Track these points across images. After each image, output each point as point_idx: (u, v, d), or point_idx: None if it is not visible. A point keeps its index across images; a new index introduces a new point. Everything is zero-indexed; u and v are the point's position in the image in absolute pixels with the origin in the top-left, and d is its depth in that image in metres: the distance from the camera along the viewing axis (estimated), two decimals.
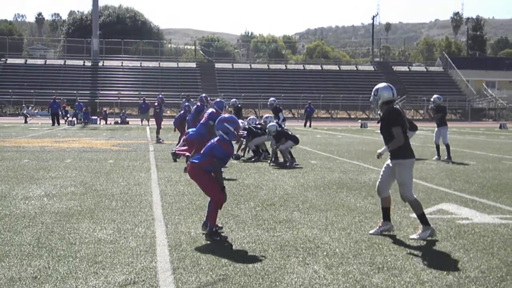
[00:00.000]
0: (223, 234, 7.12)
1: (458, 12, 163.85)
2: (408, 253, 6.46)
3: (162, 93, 57.99)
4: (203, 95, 17.17)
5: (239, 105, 24.16)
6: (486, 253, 6.48)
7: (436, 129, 17.67)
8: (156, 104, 27.54)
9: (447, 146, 17.26)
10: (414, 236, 7.23)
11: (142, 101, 42.86)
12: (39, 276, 5.42)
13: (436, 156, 17.43)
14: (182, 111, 19.91)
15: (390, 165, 7.42)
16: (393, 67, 77.88)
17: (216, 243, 6.77)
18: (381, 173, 7.58)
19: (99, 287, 5.14)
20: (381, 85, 7.56)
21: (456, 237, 7.27)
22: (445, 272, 5.73)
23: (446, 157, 17.09)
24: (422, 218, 7.24)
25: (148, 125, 39.91)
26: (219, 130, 7.28)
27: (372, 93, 7.53)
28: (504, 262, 6.12)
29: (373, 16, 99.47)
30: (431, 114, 19.17)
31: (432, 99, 17.92)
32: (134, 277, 5.43)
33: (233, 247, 6.62)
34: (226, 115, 7.72)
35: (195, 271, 5.66)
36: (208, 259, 6.09)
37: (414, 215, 8.62)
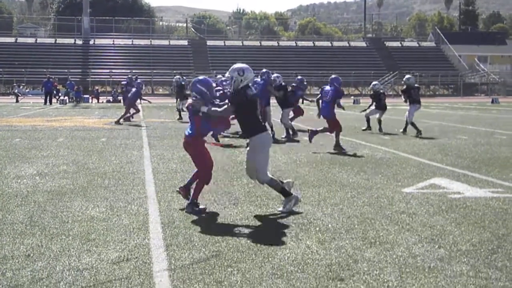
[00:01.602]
0: (201, 207, 7.24)
1: None
2: (400, 227, 6.49)
3: (154, 71, 57.83)
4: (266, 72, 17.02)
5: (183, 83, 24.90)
6: (478, 227, 6.52)
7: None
8: (123, 83, 26.58)
9: (409, 123, 17.69)
10: (281, 208, 7.26)
11: (134, 79, 42.57)
12: (32, 254, 5.42)
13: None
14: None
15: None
16: (385, 42, 77.66)
17: (207, 220, 6.78)
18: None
19: (92, 264, 5.15)
20: (244, 65, 7.23)
21: (448, 211, 7.31)
22: (437, 246, 5.76)
23: (402, 130, 17.94)
24: (283, 192, 7.26)
25: (140, 103, 39.73)
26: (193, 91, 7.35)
27: (236, 73, 7.08)
28: (495, 235, 6.16)
29: None
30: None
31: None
32: (127, 254, 5.44)
33: (226, 223, 6.64)
34: (201, 77, 7.70)
35: (188, 247, 5.67)
36: (201, 235, 6.11)
37: (407, 190, 8.68)
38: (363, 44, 77.05)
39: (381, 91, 19.48)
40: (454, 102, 46.09)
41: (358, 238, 6.03)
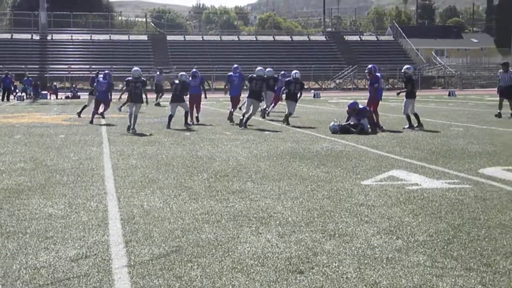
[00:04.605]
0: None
1: None
2: (359, 219, 6.56)
3: (114, 66, 57.28)
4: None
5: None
6: (434, 217, 6.64)
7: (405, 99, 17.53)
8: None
9: (415, 115, 17.36)
10: None
11: (94, 75, 42.03)
12: None
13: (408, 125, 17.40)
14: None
15: None
16: (344, 36, 78.14)
17: (169, 215, 6.76)
18: None
19: (50, 262, 5.09)
20: None
21: (406, 202, 7.42)
22: (395, 237, 5.85)
23: (416, 125, 17.23)
24: None
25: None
26: None
27: None
28: (451, 226, 6.28)
29: None
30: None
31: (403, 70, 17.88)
32: (86, 251, 5.39)
33: (186, 219, 6.62)
34: None
35: (147, 243, 5.65)
36: (161, 231, 6.08)
37: (365, 182, 8.78)
38: (323, 38, 77.42)
39: (414, 77, 17.80)
40: None
41: (317, 231, 6.09)
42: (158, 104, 31.73)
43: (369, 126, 16.24)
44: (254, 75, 18.61)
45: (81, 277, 4.72)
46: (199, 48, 68.76)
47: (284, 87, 19.83)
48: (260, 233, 6.01)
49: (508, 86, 21.72)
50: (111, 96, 21.05)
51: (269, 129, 17.39)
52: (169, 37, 73.02)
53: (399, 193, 7.97)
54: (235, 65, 20.86)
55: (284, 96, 20.17)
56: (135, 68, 18.19)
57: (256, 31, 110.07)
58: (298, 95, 19.27)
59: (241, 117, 18.39)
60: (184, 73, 19.47)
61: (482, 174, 9.51)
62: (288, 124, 18.77)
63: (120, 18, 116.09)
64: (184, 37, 75.50)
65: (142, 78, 17.84)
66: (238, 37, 78.42)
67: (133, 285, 4.56)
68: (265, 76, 19.45)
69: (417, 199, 7.61)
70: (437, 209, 7.05)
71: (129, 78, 17.42)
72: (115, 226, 6.30)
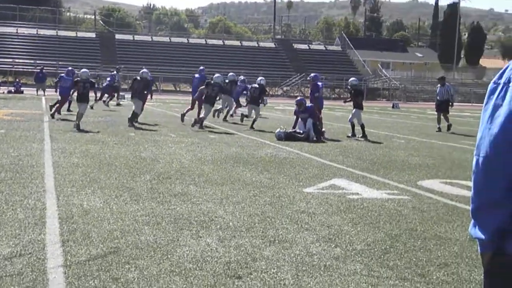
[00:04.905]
0: None
1: None
2: (300, 226, 6.61)
3: (60, 62, 56.27)
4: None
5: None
6: (373, 227, 6.74)
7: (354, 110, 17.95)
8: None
9: (361, 126, 17.70)
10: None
11: (39, 70, 41.25)
12: None
13: (351, 133, 17.87)
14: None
15: None
16: (293, 44, 78.72)
17: (109, 215, 6.68)
18: None
19: None
20: None
21: (346, 211, 7.51)
22: (333, 245, 5.92)
23: (360, 136, 17.55)
24: None
25: (44, 95, 38.59)
26: None
27: None
28: (388, 235, 6.39)
29: None
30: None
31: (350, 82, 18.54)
32: (21, 250, 5.27)
33: (126, 220, 6.55)
34: None
35: (85, 243, 5.56)
36: (100, 231, 6.00)
37: (307, 189, 8.85)
38: (272, 45, 77.84)
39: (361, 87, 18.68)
40: None
41: (258, 237, 6.11)
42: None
43: (314, 134, 16.39)
44: (212, 81, 19.19)
45: (14, 276, 4.62)
46: (148, 48, 68.14)
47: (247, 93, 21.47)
48: (200, 237, 6.00)
49: (445, 100, 22.25)
50: (72, 94, 21.20)
51: (215, 133, 17.40)
52: (117, 36, 72.14)
53: (340, 202, 8.07)
54: (201, 67, 22.59)
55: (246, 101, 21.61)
56: (84, 69, 18.92)
57: (206, 34, 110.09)
58: (260, 100, 20.97)
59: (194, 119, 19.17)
60: (146, 70, 20.00)
61: (420, 186, 9.72)
62: (240, 123, 19.63)
63: (68, 14, 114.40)
64: (133, 36, 74.76)
65: (91, 79, 18.65)
66: (188, 39, 78.06)
67: (68, 286, 4.48)
68: (226, 82, 21.38)
69: (357, 208, 7.72)
70: (376, 218, 7.17)
71: (78, 78, 18.30)
72: (52, 224, 6.19)
